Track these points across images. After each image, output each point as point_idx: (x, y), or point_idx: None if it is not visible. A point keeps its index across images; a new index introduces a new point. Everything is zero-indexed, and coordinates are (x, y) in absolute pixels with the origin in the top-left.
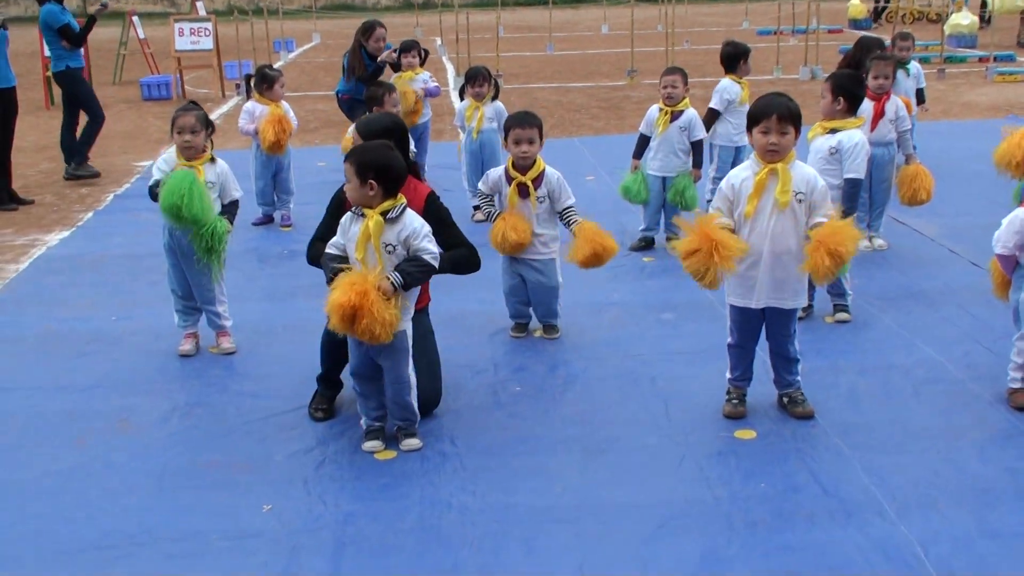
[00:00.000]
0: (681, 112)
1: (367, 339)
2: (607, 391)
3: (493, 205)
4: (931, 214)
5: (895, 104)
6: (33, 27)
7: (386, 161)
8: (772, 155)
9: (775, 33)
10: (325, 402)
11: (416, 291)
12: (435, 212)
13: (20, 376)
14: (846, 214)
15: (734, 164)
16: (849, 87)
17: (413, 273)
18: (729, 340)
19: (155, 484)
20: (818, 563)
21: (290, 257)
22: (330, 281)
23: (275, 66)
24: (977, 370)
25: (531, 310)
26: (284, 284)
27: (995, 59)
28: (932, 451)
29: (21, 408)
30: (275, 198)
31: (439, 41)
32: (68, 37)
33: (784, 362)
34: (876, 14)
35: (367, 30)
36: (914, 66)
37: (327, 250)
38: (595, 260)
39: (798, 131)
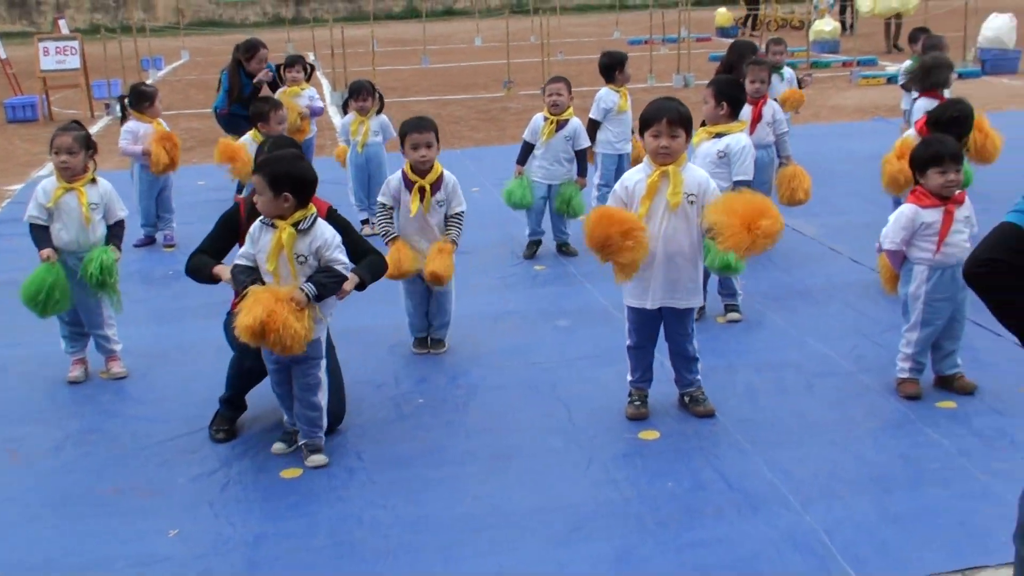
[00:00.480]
0: (567, 121)
1: (279, 351)
2: (510, 399)
3: (392, 222)
4: (808, 214)
5: (772, 108)
6: None
7: (300, 172)
8: (664, 158)
9: (646, 43)
10: (226, 423)
11: (332, 301)
12: (338, 222)
13: None
14: None
15: (617, 170)
16: (731, 92)
17: (327, 284)
18: (628, 342)
19: (55, 513)
20: (730, 556)
21: (175, 278)
22: (238, 294)
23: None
24: (866, 362)
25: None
26: (172, 305)
27: (859, 63)
28: (829, 442)
29: None
30: (157, 218)
31: (312, 56)
32: None
33: (684, 361)
34: (752, 21)
35: (249, 49)
36: (787, 70)
37: (236, 261)
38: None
39: (689, 134)
